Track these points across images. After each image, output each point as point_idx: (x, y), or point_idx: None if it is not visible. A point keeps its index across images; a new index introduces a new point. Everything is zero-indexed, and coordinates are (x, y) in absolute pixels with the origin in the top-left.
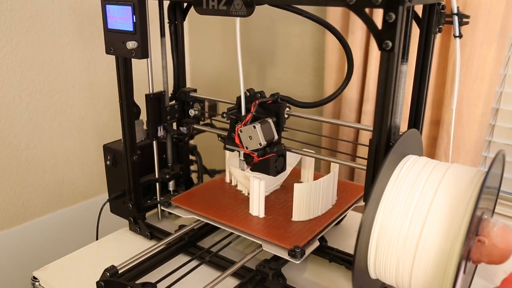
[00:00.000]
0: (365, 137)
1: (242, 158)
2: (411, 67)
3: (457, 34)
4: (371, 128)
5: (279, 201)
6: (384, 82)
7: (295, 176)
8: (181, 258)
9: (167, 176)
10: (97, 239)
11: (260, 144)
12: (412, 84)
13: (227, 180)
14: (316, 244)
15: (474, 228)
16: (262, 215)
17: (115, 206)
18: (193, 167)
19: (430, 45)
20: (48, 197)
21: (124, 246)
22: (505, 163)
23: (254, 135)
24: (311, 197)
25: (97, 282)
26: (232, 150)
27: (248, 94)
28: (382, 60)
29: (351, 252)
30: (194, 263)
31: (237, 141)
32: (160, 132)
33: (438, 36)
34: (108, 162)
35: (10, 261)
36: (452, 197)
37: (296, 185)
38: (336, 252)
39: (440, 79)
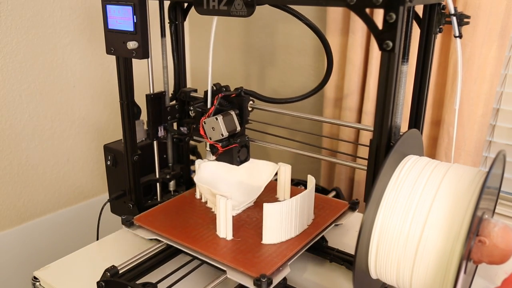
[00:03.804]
0: (366, 137)
1: (208, 148)
2: (411, 67)
3: (457, 34)
4: (372, 128)
5: (251, 221)
6: (384, 82)
7: (272, 191)
8: (181, 258)
9: (168, 176)
10: (97, 239)
11: (222, 135)
12: (412, 84)
13: (197, 196)
14: (287, 270)
15: (475, 228)
16: (230, 237)
17: (116, 206)
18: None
19: (431, 45)
20: (48, 197)
21: (125, 246)
22: (505, 163)
23: (216, 127)
24: (283, 218)
25: (97, 282)
26: (199, 141)
27: (214, 88)
28: (382, 60)
29: (352, 252)
30: (194, 263)
31: (201, 132)
32: (161, 132)
33: (439, 36)
34: (108, 162)
35: (11, 261)
36: (452, 197)
37: (265, 205)
38: (337, 252)
39: (440, 79)
